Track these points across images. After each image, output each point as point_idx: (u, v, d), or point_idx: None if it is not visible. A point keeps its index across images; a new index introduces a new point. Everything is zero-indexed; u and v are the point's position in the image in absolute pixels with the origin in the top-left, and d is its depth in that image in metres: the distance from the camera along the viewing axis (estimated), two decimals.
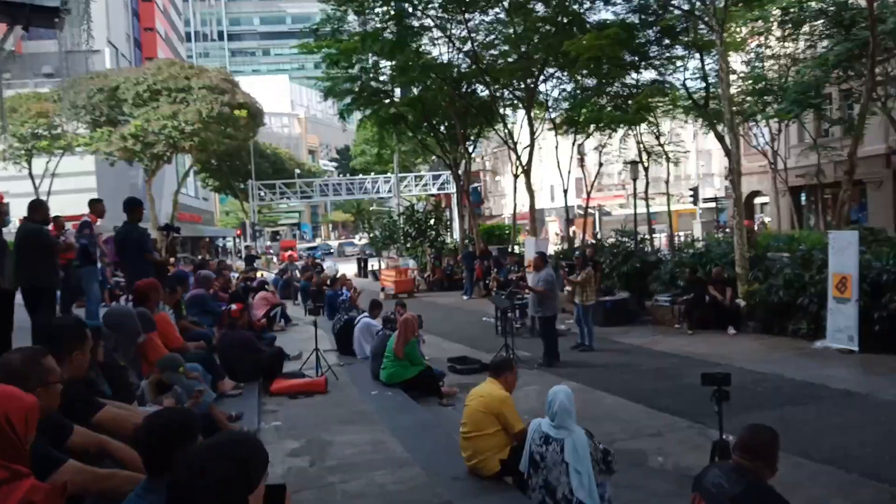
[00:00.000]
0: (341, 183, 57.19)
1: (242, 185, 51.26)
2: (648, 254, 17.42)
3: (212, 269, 13.16)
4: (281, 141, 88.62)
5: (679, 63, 19.33)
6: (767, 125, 28.08)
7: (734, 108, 19.22)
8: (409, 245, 28.38)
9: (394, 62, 22.76)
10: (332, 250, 65.99)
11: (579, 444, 4.46)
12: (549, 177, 58.65)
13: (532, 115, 20.97)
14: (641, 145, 20.46)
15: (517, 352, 11.39)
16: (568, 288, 12.95)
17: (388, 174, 48.99)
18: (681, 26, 18.17)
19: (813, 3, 22.91)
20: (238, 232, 60.28)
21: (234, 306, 8.81)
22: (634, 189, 20.66)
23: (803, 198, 33.49)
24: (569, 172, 21.58)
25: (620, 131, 21.45)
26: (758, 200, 39.00)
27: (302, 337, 12.23)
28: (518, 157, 21.33)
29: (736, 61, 23.91)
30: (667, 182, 21.23)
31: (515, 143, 21.67)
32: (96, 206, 9.65)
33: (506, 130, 22.84)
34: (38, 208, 8.15)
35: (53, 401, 2.92)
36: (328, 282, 17.00)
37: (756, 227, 34.78)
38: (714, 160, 59.14)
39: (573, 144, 23.72)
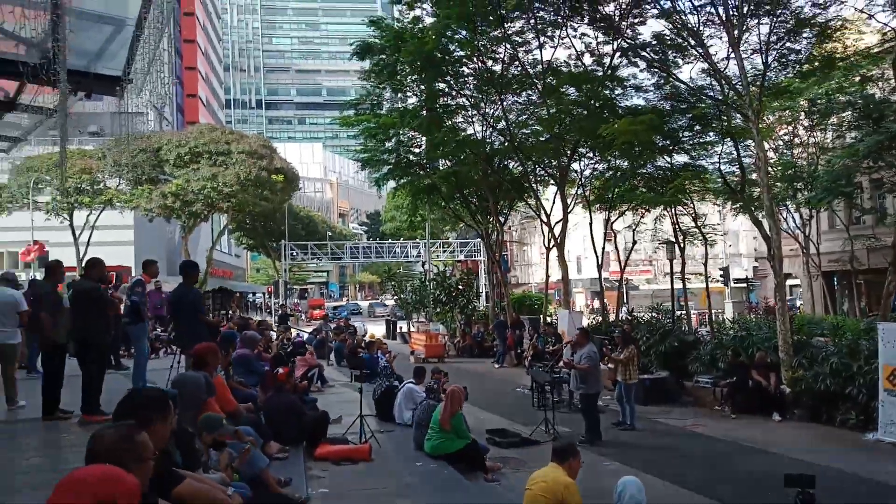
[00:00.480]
0: (371, 246, 58.43)
1: (275, 245, 52.19)
2: (686, 333, 17.21)
3: (252, 328, 13.22)
4: (313, 204, 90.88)
5: (711, 148, 19.52)
6: (798, 210, 28.11)
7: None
8: (438, 310, 28.39)
9: (429, 138, 23.44)
10: (359, 310, 66.17)
11: None
12: (576, 248, 59.03)
13: (564, 191, 21.23)
14: (677, 226, 20.54)
15: (556, 427, 11.19)
16: (610, 365, 12.78)
17: (418, 240, 49.68)
18: (713, 114, 18.45)
19: (840, 97, 23.24)
20: (269, 289, 61.04)
21: (280, 370, 8.80)
22: (671, 268, 20.61)
23: (835, 282, 33.08)
24: (602, 249, 21.60)
25: (654, 210, 21.63)
26: (789, 282, 38.65)
27: (341, 400, 12.14)
28: (551, 230, 21.51)
29: (765, 147, 24.14)
30: (705, 264, 21.18)
31: (549, 217, 21.89)
32: (151, 268, 9.83)
33: (538, 204, 23.12)
34: (94, 266, 8.35)
35: (147, 477, 2.86)
36: (362, 344, 16.96)
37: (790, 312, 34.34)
38: (741, 241, 59.13)
39: (606, 221, 23.89)
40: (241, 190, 33.29)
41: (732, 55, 15.71)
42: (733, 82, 15.07)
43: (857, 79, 23.47)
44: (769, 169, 24.60)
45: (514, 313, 23.37)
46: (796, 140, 26.52)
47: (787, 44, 16.17)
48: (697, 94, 17.43)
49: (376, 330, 31.60)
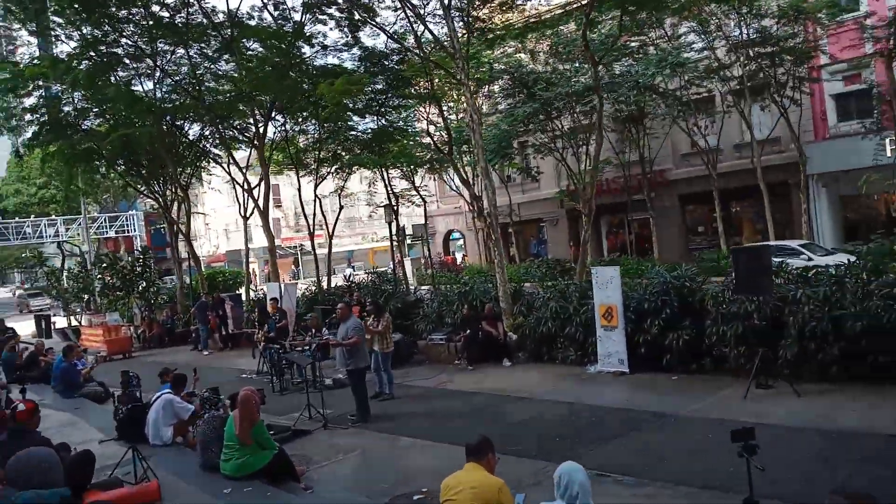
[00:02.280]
0: None
1: None
2: (406, 294, 17.59)
3: None
4: None
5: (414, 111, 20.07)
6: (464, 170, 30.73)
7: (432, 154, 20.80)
8: (109, 298, 24.49)
9: (89, 94, 19.76)
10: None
11: None
12: (254, 217, 56.50)
13: (263, 154, 19.84)
14: (389, 188, 20.74)
15: (321, 410, 10.48)
16: (367, 336, 12.35)
17: (54, 216, 42.08)
18: (410, 76, 18.85)
19: (498, 65, 25.79)
20: None
21: (21, 405, 6.42)
22: (391, 230, 20.62)
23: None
24: (312, 214, 20.72)
25: (360, 173, 21.57)
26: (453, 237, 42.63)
27: (47, 426, 9.57)
28: (250, 195, 20.04)
29: (433, 113, 25.67)
30: (425, 225, 21.86)
31: (246, 181, 20.31)
32: None
33: (228, 168, 21.30)
34: None
35: None
36: (44, 351, 13.64)
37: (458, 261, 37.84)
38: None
39: (313, 186, 23.02)
40: None
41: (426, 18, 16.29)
42: (444, 42, 15.43)
43: (511, 51, 26.38)
44: (437, 133, 26.45)
45: (218, 293, 21.32)
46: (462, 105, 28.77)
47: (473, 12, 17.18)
48: (401, 53, 17.57)
49: (23, 328, 26.05)
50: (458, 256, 41.82)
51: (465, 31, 14.75)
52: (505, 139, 26.24)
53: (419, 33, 16.49)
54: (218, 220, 56.17)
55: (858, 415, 8.36)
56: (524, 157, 31.00)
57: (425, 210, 23.60)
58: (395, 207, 19.66)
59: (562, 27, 22.62)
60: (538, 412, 10.15)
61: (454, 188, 32.75)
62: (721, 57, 23.40)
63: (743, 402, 9.44)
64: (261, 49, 20.21)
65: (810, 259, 18.35)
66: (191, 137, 22.08)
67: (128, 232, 46.18)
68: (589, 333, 12.81)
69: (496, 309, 14.39)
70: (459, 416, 10.35)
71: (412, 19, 16.17)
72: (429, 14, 16.70)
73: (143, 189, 24.85)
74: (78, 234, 43.44)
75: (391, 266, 44.75)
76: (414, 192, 21.76)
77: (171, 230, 24.83)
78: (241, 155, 23.13)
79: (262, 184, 19.41)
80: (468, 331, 14.07)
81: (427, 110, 24.22)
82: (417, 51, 16.39)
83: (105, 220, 45.28)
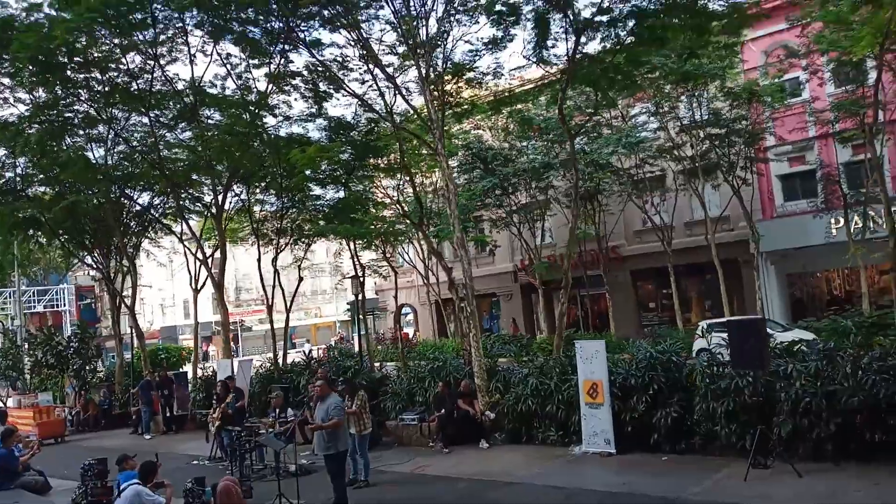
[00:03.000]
0: None
1: None
2: (370, 371, 16.80)
3: None
4: None
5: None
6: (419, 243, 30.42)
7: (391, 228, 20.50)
8: (40, 376, 22.67)
9: (37, 159, 18.86)
10: None
11: None
12: (183, 292, 54.56)
13: (222, 223, 19.12)
14: (356, 258, 20.12)
15: (294, 502, 9.57)
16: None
17: None
18: (381, 146, 18.73)
19: (457, 141, 26.04)
20: None
21: None
22: (357, 303, 19.64)
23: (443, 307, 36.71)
24: (272, 287, 19.84)
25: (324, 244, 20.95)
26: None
27: None
28: (205, 266, 19.14)
29: (389, 186, 25.48)
30: (396, 296, 21.17)
31: (204, 253, 19.43)
32: None
33: (182, 238, 20.42)
34: None
35: None
36: None
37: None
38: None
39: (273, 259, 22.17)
40: None
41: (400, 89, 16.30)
42: (422, 114, 15.29)
43: (469, 127, 26.76)
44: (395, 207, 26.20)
45: (164, 371, 19.92)
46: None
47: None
48: (371, 123, 17.44)
49: None
50: (410, 332, 41.04)
51: (440, 103, 14.70)
52: (463, 213, 26.21)
53: (391, 104, 16.42)
54: (153, 295, 54.15)
55: (864, 495, 8.09)
56: (480, 231, 31.03)
57: (396, 281, 22.96)
58: (362, 279, 19.06)
59: (522, 104, 23.11)
60: (532, 500, 9.51)
61: (408, 261, 32.43)
62: (673, 137, 24.22)
63: (744, 484, 9.06)
64: (220, 118, 19.82)
65: (771, 335, 18.50)
66: (139, 206, 21.14)
67: (57, 306, 43.92)
68: (571, 412, 12.34)
69: (472, 386, 13.79)
70: None
71: (384, 88, 16.12)
72: (402, 86, 16.70)
73: (86, 259, 23.51)
74: (5, 308, 40.91)
75: (342, 342, 43.67)
76: (382, 264, 21.22)
77: (113, 303, 23.43)
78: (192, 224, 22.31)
79: (219, 255, 18.57)
80: (443, 410, 13.37)
81: (381, 183, 24.03)
82: (388, 121, 16.25)
83: (34, 293, 42.92)
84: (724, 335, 15.61)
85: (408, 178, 17.33)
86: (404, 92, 16.85)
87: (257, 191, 20.42)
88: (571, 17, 13.79)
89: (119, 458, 8.60)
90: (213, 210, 19.15)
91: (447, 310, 35.68)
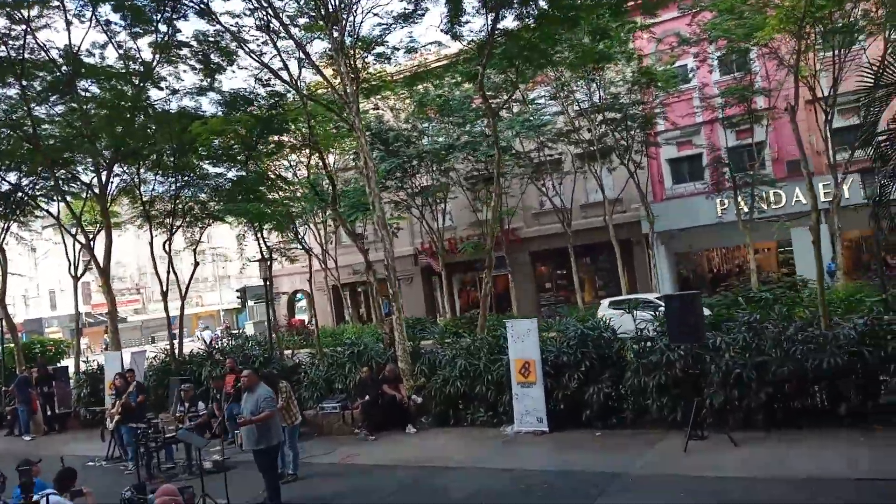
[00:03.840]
0: None
1: None
2: (281, 359, 15.85)
3: None
4: None
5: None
6: (323, 227, 29.33)
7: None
8: None
9: None
10: None
11: None
12: (49, 281, 50.11)
13: (107, 204, 17.37)
14: (262, 241, 18.84)
15: (221, 501, 8.76)
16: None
17: None
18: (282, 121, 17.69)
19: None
20: None
21: None
22: (266, 286, 18.31)
23: (343, 293, 35.82)
24: (167, 273, 18.25)
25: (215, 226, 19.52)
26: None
27: None
28: (89, 251, 17.36)
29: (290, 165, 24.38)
30: (309, 281, 19.99)
31: (87, 236, 17.56)
32: None
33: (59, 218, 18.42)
34: None
35: None
36: None
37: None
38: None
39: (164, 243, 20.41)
40: None
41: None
42: (337, 86, 14.43)
43: (369, 107, 25.96)
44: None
45: (43, 366, 17.84)
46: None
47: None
48: (276, 96, 16.37)
49: None
50: (305, 318, 39.77)
51: (353, 76, 13.92)
52: (363, 194, 25.45)
53: (298, 76, 15.45)
54: (14, 285, 49.33)
55: (808, 461, 8.36)
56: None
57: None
58: (269, 262, 17.90)
59: (424, 84, 22.65)
60: (481, 484, 9.21)
61: (304, 246, 31.17)
62: (573, 120, 24.62)
63: (686, 456, 9.20)
64: (97, 91, 18.00)
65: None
66: (10, 185, 18.80)
67: None
68: (500, 392, 12.17)
69: (396, 370, 13.28)
70: (393, 496, 9.11)
71: (288, 60, 15.12)
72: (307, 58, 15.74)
73: None
74: None
75: (227, 331, 41.49)
76: (291, 246, 20.06)
77: None
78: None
79: (104, 239, 16.84)
80: (367, 396, 12.79)
81: (283, 162, 22.84)
82: (297, 92, 15.25)
83: None
84: (619, 312, 16.45)
85: (317, 155, 16.38)
86: (311, 64, 15.99)
87: (143, 170, 18.70)
88: None
89: (21, 463, 7.43)
90: (97, 190, 17.33)
91: (346, 295, 34.84)
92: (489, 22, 13.93)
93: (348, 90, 13.38)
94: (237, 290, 35.50)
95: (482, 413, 12.39)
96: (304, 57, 15.30)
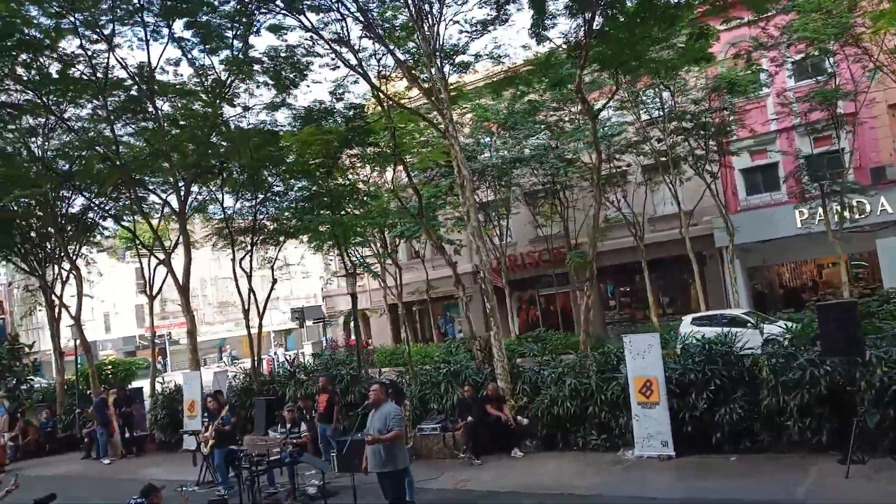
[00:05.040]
0: None
1: None
2: (369, 378, 15.26)
3: None
4: None
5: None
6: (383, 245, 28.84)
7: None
8: None
9: None
10: None
11: None
12: (104, 304, 50.54)
13: (185, 223, 17.14)
14: (346, 257, 18.45)
15: None
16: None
17: None
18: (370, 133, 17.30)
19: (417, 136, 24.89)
20: None
21: None
22: (353, 302, 17.63)
23: (404, 312, 35.26)
24: (248, 291, 17.91)
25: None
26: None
27: None
28: (169, 268, 17.14)
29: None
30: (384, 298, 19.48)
31: (167, 253, 17.33)
32: None
33: (133, 239, 18.24)
34: None
35: None
36: None
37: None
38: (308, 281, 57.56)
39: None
40: None
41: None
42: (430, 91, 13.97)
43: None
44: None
45: (122, 387, 17.59)
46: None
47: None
48: (355, 108, 16.01)
49: None
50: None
51: (445, 81, 13.43)
52: (429, 210, 24.96)
53: (378, 85, 14.97)
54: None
55: None
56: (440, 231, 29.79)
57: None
58: (355, 276, 17.46)
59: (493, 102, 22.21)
60: None
61: (362, 262, 30.75)
62: (643, 129, 23.82)
63: (849, 482, 8.34)
64: (168, 110, 17.93)
65: (758, 327, 18.20)
66: (88, 201, 18.74)
67: None
68: (615, 413, 11.40)
69: (499, 389, 12.58)
70: None
71: (368, 69, 14.68)
72: (387, 68, 15.37)
73: (19, 265, 20.77)
74: None
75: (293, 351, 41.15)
76: (375, 262, 19.60)
77: (51, 313, 20.73)
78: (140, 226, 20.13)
79: (183, 257, 16.56)
80: (469, 417, 12.10)
81: (361, 174, 22.45)
82: (387, 97, 14.83)
83: None
84: (707, 329, 15.71)
85: (400, 167, 15.94)
86: (391, 74, 15.64)
87: (220, 187, 18.49)
88: None
89: (145, 489, 6.95)
90: (176, 207, 17.12)
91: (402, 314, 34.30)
92: (584, 23, 13.39)
93: (444, 95, 12.88)
94: (294, 311, 35.33)
95: (594, 436, 11.61)
96: (386, 66, 14.94)
